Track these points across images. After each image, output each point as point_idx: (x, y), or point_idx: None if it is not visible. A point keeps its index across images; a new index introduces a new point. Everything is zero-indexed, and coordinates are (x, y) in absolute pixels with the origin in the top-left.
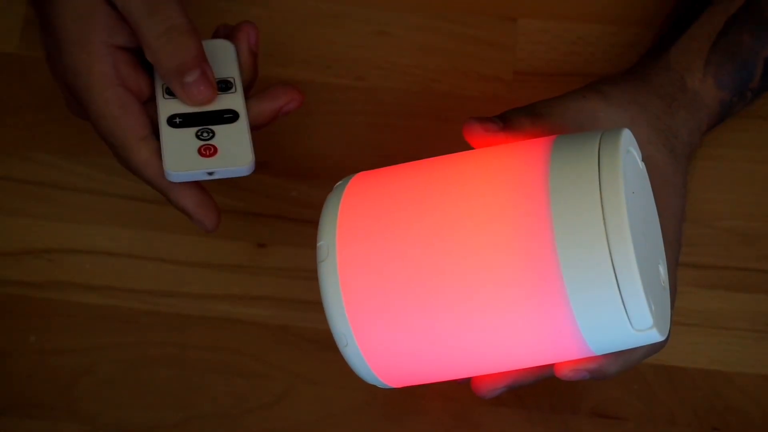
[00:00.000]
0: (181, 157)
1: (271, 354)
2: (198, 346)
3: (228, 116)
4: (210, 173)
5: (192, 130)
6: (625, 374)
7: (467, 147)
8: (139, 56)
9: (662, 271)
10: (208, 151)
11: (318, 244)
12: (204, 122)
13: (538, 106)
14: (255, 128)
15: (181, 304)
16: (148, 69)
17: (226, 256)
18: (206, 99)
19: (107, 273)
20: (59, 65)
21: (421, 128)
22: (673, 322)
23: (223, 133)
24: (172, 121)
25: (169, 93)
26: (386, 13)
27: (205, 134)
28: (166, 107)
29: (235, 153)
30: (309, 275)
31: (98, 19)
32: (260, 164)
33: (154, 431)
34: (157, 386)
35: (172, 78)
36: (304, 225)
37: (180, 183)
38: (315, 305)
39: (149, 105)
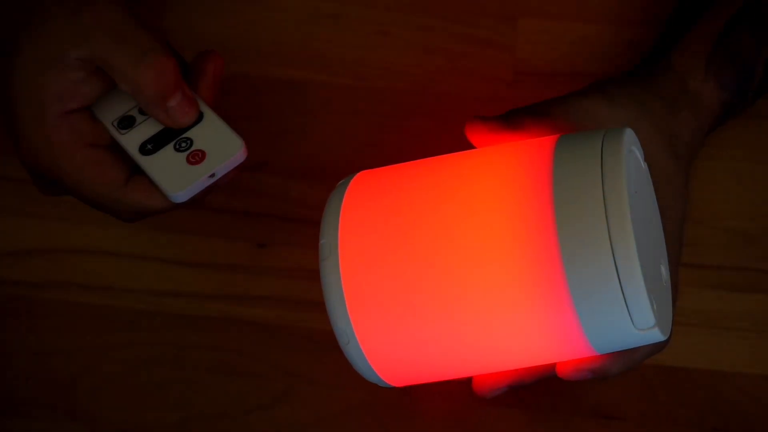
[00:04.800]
0: (175, 177)
1: (271, 354)
2: (198, 346)
3: None
4: (211, 176)
5: (168, 148)
6: (626, 374)
7: (468, 147)
8: (90, 110)
9: (664, 270)
10: (196, 158)
11: (320, 243)
12: (174, 135)
13: (541, 106)
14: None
15: (181, 304)
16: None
17: (226, 256)
18: (192, 119)
19: (107, 273)
20: (22, 152)
21: (421, 128)
22: (674, 322)
23: (199, 135)
24: (144, 150)
25: (123, 126)
26: (386, 13)
27: (183, 144)
28: (130, 140)
29: (222, 145)
30: (309, 275)
31: (48, 90)
32: (260, 164)
33: (154, 431)
34: (157, 386)
35: (155, 105)
36: (304, 225)
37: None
38: (315, 305)
39: (114, 148)
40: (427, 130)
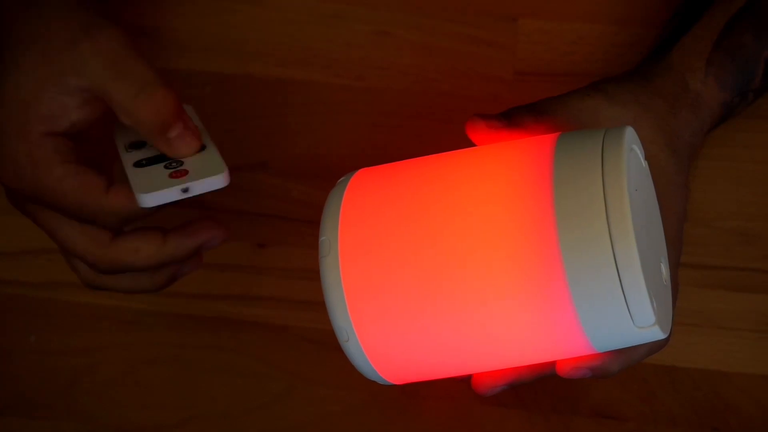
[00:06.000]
0: (151, 182)
1: (271, 354)
2: (198, 346)
3: None
4: (185, 190)
5: (159, 165)
6: (626, 374)
7: (468, 147)
8: (78, 141)
9: (664, 269)
10: (179, 174)
11: (320, 240)
12: (170, 158)
13: (542, 104)
14: (178, 262)
15: (181, 304)
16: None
17: (226, 256)
18: (193, 150)
19: None
20: (1, 166)
21: (421, 128)
22: (674, 322)
23: (191, 160)
24: (138, 164)
25: (133, 147)
26: (386, 13)
27: (174, 164)
28: (130, 157)
29: (206, 167)
30: (309, 275)
31: (38, 110)
32: (260, 164)
33: (154, 431)
34: (157, 386)
35: (155, 137)
36: (304, 225)
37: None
38: (315, 305)
39: (93, 163)
40: (427, 130)
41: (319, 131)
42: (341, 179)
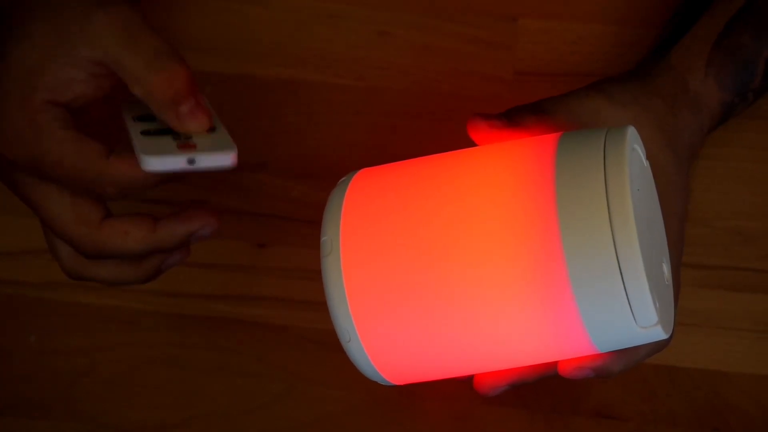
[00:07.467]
0: (157, 148)
1: (271, 354)
2: (198, 346)
3: None
4: (191, 161)
5: (168, 136)
6: (626, 374)
7: (469, 147)
8: (77, 116)
9: (666, 269)
10: (186, 146)
11: (322, 240)
12: (179, 132)
13: (542, 104)
14: (167, 250)
15: (181, 304)
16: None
17: (226, 256)
18: (202, 128)
19: None
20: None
21: (422, 128)
22: (675, 322)
23: (200, 138)
24: (145, 132)
25: (141, 120)
26: (386, 13)
27: (182, 137)
28: (137, 126)
29: (215, 145)
30: (309, 275)
31: (43, 78)
32: (260, 164)
33: (154, 431)
34: (157, 386)
35: (167, 110)
36: (304, 225)
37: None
38: (315, 305)
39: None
40: (427, 130)
41: (319, 131)
42: (342, 179)
